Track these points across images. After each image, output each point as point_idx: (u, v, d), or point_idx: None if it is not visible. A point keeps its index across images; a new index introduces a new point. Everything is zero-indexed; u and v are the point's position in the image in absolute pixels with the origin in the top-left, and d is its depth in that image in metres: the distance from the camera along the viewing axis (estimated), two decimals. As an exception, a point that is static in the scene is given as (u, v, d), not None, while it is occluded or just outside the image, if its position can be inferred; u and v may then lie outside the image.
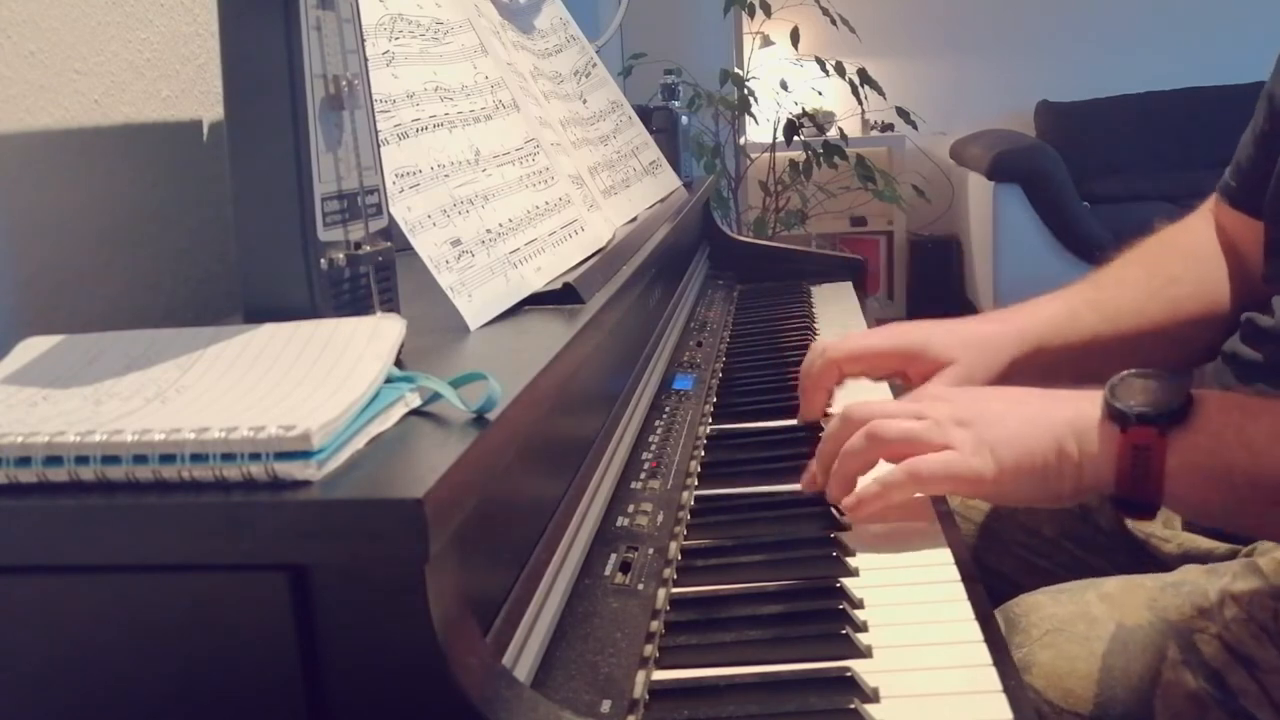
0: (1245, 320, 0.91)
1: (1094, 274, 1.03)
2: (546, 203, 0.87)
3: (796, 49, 3.55)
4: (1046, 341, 0.96)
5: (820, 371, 0.94)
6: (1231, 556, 0.83)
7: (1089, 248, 3.76)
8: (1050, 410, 0.74)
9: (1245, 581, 0.76)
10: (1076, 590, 0.80)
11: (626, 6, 1.56)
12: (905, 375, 0.95)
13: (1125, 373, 0.73)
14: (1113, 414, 0.71)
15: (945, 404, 0.76)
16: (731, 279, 1.60)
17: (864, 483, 0.75)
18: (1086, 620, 0.76)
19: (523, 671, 0.54)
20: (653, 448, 0.89)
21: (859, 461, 0.75)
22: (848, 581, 0.67)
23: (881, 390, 1.05)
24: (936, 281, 4.51)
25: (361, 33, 0.61)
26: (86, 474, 0.44)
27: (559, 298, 0.77)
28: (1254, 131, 0.98)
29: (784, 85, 3.60)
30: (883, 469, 0.75)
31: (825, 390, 0.95)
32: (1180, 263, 1.02)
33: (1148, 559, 0.90)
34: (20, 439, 0.45)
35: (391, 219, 0.64)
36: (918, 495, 0.76)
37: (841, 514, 0.76)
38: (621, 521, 0.75)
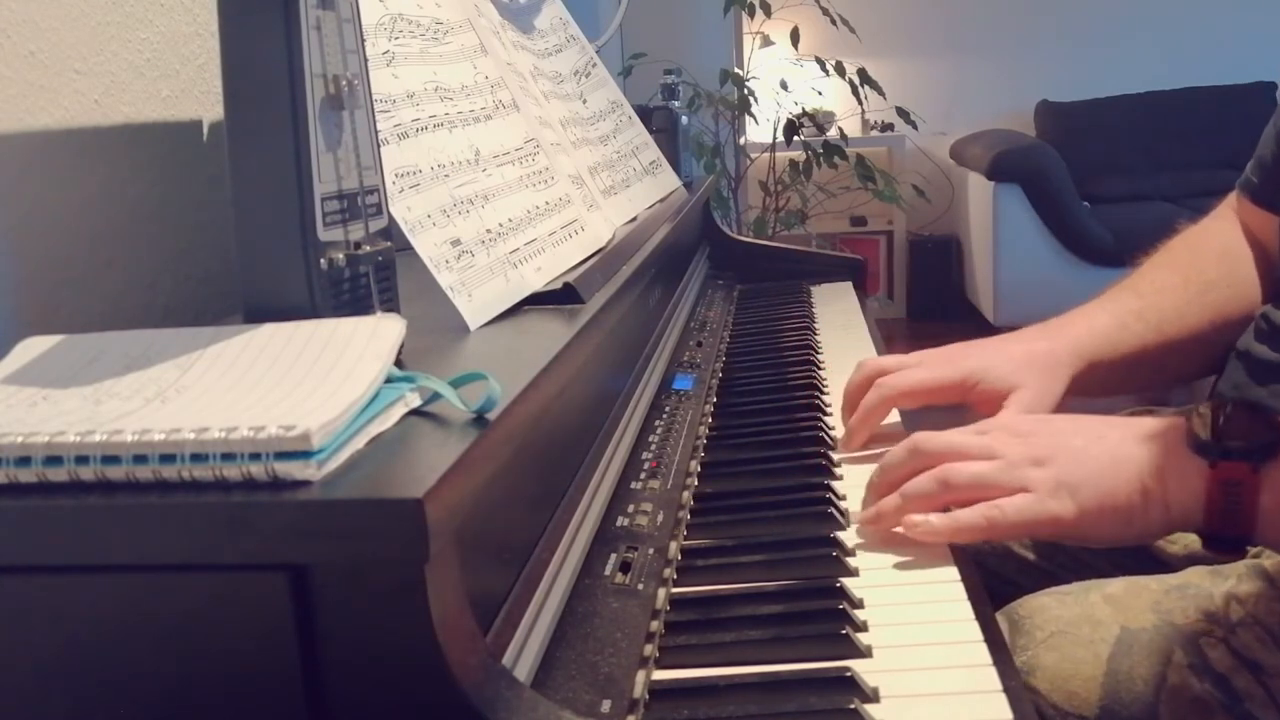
0: (1260, 317, 0.91)
1: (1130, 282, 1.00)
2: (546, 203, 0.87)
3: (796, 49, 3.55)
4: (1100, 355, 0.94)
5: (875, 407, 0.90)
6: (1237, 559, 0.83)
7: (1089, 248, 3.77)
8: (1131, 444, 0.70)
9: (1251, 584, 0.76)
10: (1081, 592, 0.80)
11: (626, 6, 1.56)
12: (966, 403, 0.92)
13: (1206, 402, 0.70)
14: (1198, 448, 0.68)
15: (1019, 441, 0.72)
16: (731, 279, 1.60)
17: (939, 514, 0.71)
18: (1091, 622, 0.76)
19: (523, 671, 0.54)
20: (653, 448, 0.89)
21: (925, 506, 0.71)
22: (848, 581, 0.67)
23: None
24: (936, 281, 4.51)
25: (361, 33, 0.61)
26: (86, 474, 0.44)
27: (559, 298, 0.77)
28: (1275, 127, 0.98)
29: (784, 85, 3.60)
30: None
31: (875, 424, 0.91)
32: (1214, 267, 1.00)
33: (1152, 561, 0.90)
34: (20, 439, 0.45)
35: (391, 219, 0.64)
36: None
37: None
38: (621, 521, 0.75)
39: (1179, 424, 0.70)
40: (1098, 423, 0.75)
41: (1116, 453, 0.70)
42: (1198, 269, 1.00)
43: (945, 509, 0.72)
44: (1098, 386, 0.96)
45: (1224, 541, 0.69)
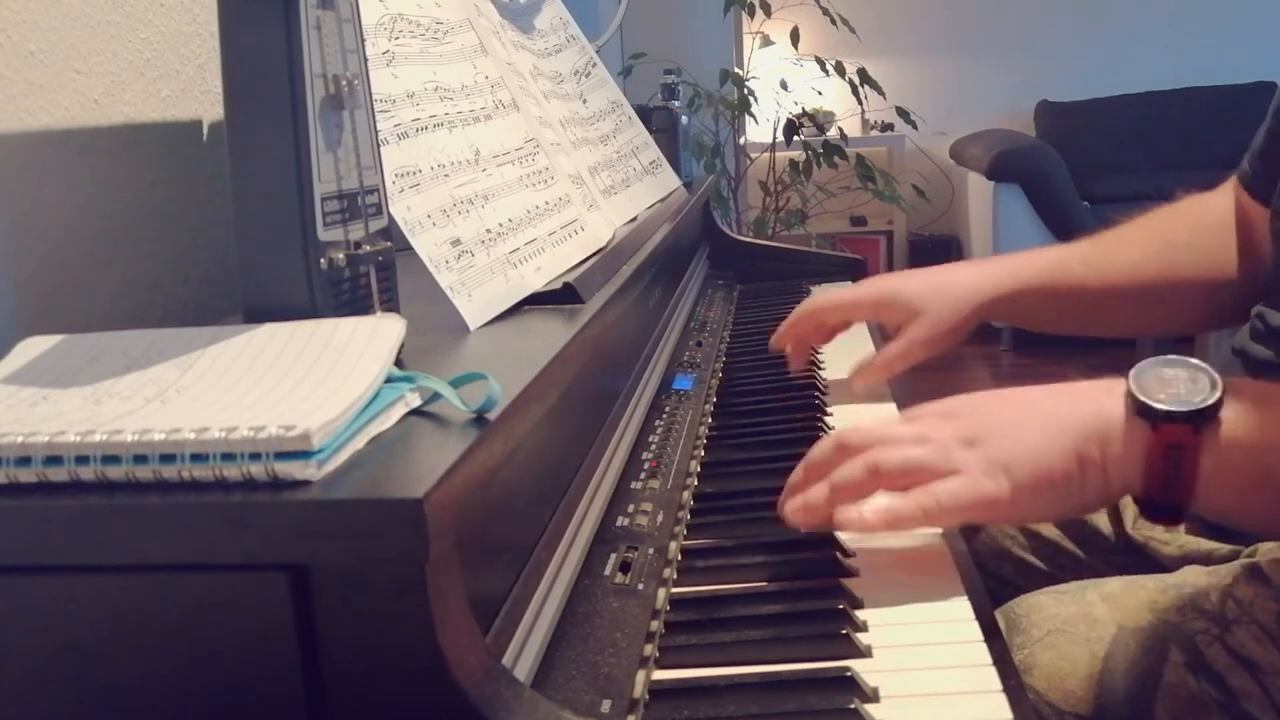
0: (1255, 315, 0.91)
1: (1101, 233, 1.05)
2: (546, 203, 0.87)
3: (796, 49, 3.55)
4: (1028, 285, 1.00)
5: (802, 315, 1.03)
6: (1233, 558, 0.83)
7: (1089, 248, 3.76)
8: (1066, 411, 0.68)
9: (1247, 583, 0.76)
10: (1078, 591, 0.80)
11: (626, 6, 1.56)
12: (883, 325, 1.02)
13: (1147, 361, 0.67)
14: (1140, 410, 0.65)
15: (949, 422, 0.69)
16: (731, 279, 1.60)
17: (872, 503, 0.67)
18: (1088, 621, 0.76)
19: (523, 671, 0.54)
20: (653, 448, 0.89)
21: (854, 494, 0.67)
22: (848, 581, 0.67)
23: (864, 337, 1.15)
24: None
25: (361, 33, 0.61)
26: (86, 474, 0.44)
27: (559, 298, 0.77)
28: (1271, 119, 0.98)
29: (784, 85, 3.60)
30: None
31: (799, 334, 1.06)
32: (1185, 229, 1.02)
33: (1148, 561, 0.90)
34: (20, 439, 0.45)
35: (391, 219, 0.64)
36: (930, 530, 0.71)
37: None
38: (621, 521, 0.75)
39: (1118, 386, 0.67)
40: (1030, 393, 0.71)
41: (1049, 423, 0.67)
42: (1169, 229, 1.03)
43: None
44: (1024, 317, 1.04)
45: (1161, 509, 0.67)
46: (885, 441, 0.69)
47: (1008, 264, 1.02)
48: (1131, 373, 0.67)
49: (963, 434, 0.68)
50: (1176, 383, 0.66)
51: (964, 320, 0.99)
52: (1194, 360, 0.67)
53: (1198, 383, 0.65)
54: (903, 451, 0.68)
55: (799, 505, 0.69)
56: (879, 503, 0.66)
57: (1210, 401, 0.64)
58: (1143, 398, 0.65)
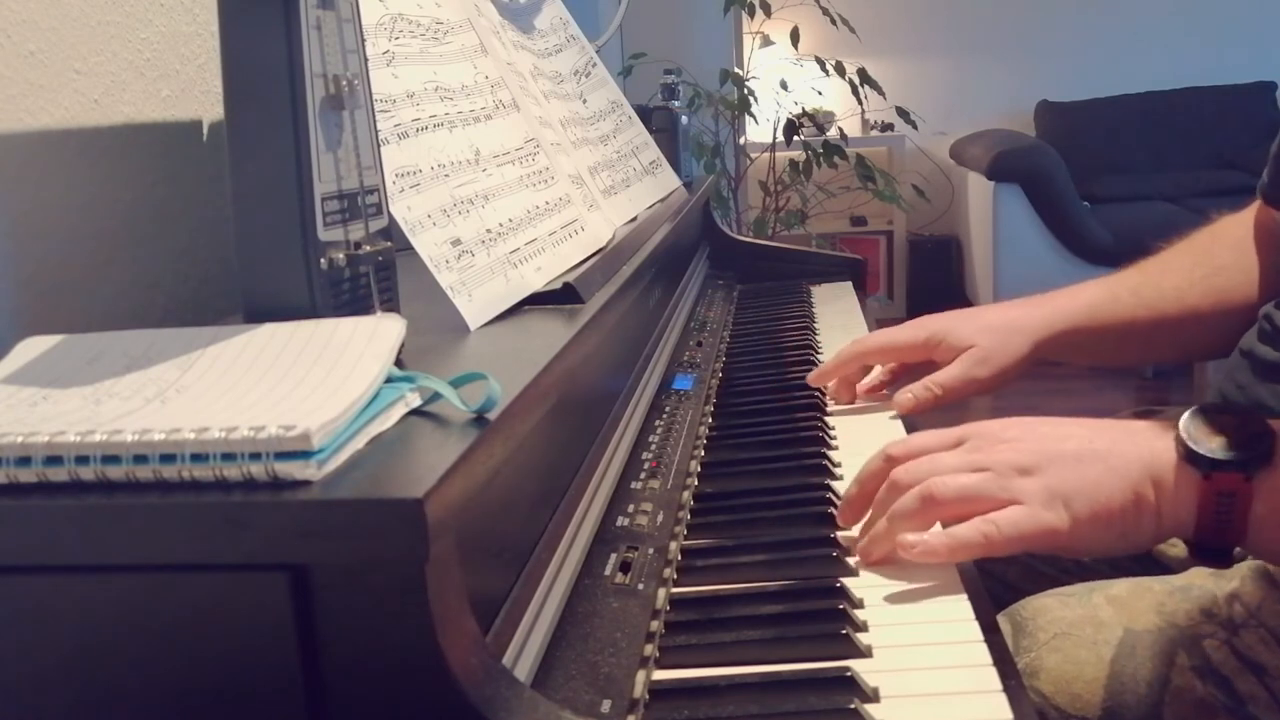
0: (1263, 317, 0.91)
1: (1143, 262, 1.04)
2: (546, 203, 0.87)
3: (796, 49, 3.55)
4: (1080, 323, 0.98)
5: (848, 357, 1.00)
6: (1240, 560, 0.83)
7: (1089, 248, 3.77)
8: (1124, 450, 0.68)
9: (1254, 586, 0.75)
10: (1084, 593, 0.79)
11: (626, 6, 1.56)
12: (931, 365, 0.97)
13: (1199, 407, 0.68)
14: (1189, 457, 0.66)
15: (1007, 447, 0.69)
16: (731, 279, 1.60)
17: (934, 533, 0.68)
18: (1094, 624, 0.76)
19: (523, 671, 0.54)
20: (653, 448, 0.89)
21: (912, 525, 0.68)
22: (848, 581, 0.67)
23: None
24: (936, 281, 4.51)
25: (361, 33, 0.61)
26: (86, 474, 0.44)
27: (559, 298, 0.77)
28: None
29: (784, 85, 3.60)
30: None
31: (845, 372, 1.02)
32: (1228, 252, 1.02)
33: (1154, 564, 0.90)
34: (20, 439, 0.45)
35: (391, 219, 0.64)
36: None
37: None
38: (621, 521, 0.75)
39: (1170, 430, 0.68)
40: (1086, 427, 0.72)
41: (1108, 460, 0.67)
42: (1211, 253, 1.02)
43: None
44: (1080, 353, 1.01)
45: (1211, 551, 0.67)
46: (940, 469, 0.69)
47: (1054, 302, 1.00)
48: (1182, 419, 0.67)
49: (1019, 462, 0.68)
50: (1228, 430, 0.66)
51: (1021, 361, 0.97)
52: (1247, 409, 0.68)
53: (1249, 428, 0.66)
54: (959, 481, 0.68)
55: (865, 547, 0.70)
56: (941, 533, 0.67)
57: (1260, 448, 0.64)
58: (1192, 445, 0.65)
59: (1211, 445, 0.65)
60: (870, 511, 0.72)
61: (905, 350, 1.01)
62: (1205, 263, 1.01)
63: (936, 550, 0.66)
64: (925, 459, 0.70)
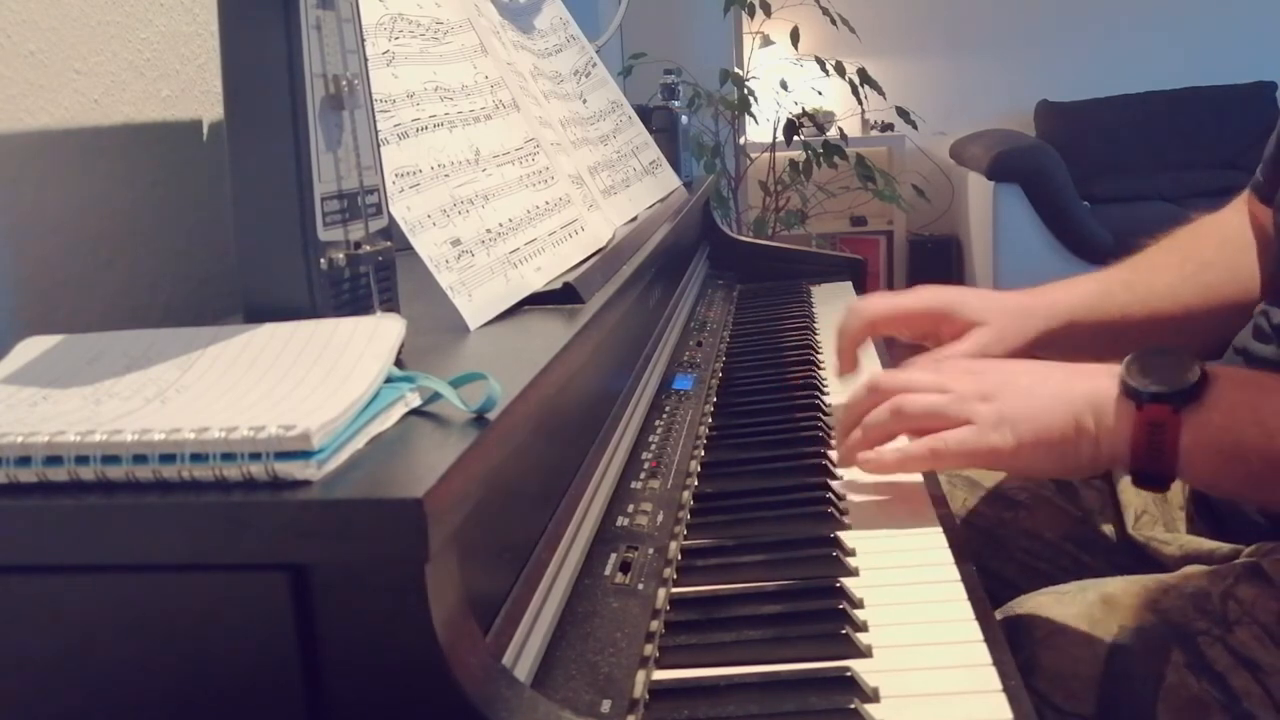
0: (1259, 313, 0.91)
1: (1131, 259, 1.05)
2: (546, 203, 0.87)
3: (796, 49, 3.55)
4: (1078, 317, 0.99)
5: (854, 330, 0.98)
6: (1234, 558, 0.83)
7: (1089, 248, 3.77)
8: (1070, 385, 0.75)
9: (1248, 584, 0.76)
10: (1079, 591, 0.80)
11: (626, 6, 1.56)
12: (937, 336, 0.97)
13: (1142, 350, 0.74)
14: (1128, 391, 0.73)
15: (971, 377, 0.78)
16: (731, 279, 1.60)
17: (889, 447, 0.78)
18: (1089, 621, 0.76)
19: (523, 671, 0.54)
20: (653, 448, 0.89)
21: (881, 434, 0.78)
22: (848, 581, 0.67)
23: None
24: (936, 281, 4.43)
25: (361, 33, 0.61)
26: (86, 474, 0.44)
27: (559, 298, 0.77)
28: (1277, 131, 0.99)
29: (784, 85, 3.60)
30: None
31: (856, 347, 0.99)
32: (1214, 249, 1.03)
33: (1149, 561, 0.90)
34: (20, 439, 0.45)
35: (391, 219, 0.64)
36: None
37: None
38: (621, 521, 0.75)
39: (1115, 369, 0.75)
40: (1044, 365, 0.80)
41: (1057, 392, 0.75)
42: (1197, 250, 1.03)
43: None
44: (1078, 349, 1.00)
45: (1149, 478, 0.73)
46: (911, 388, 0.78)
47: (1051, 294, 1.00)
48: (1126, 358, 0.74)
49: (981, 389, 0.76)
50: (1165, 369, 0.73)
51: (1028, 346, 0.97)
52: (1186, 351, 0.74)
53: (1183, 369, 0.72)
54: (925, 398, 0.77)
55: (843, 454, 0.81)
56: (894, 447, 0.77)
57: (1189, 384, 0.71)
58: (1129, 380, 0.73)
59: (1146, 381, 0.72)
60: (845, 423, 0.82)
61: (914, 318, 1.00)
62: (1193, 259, 1.02)
63: (887, 464, 0.77)
64: (902, 377, 0.80)
